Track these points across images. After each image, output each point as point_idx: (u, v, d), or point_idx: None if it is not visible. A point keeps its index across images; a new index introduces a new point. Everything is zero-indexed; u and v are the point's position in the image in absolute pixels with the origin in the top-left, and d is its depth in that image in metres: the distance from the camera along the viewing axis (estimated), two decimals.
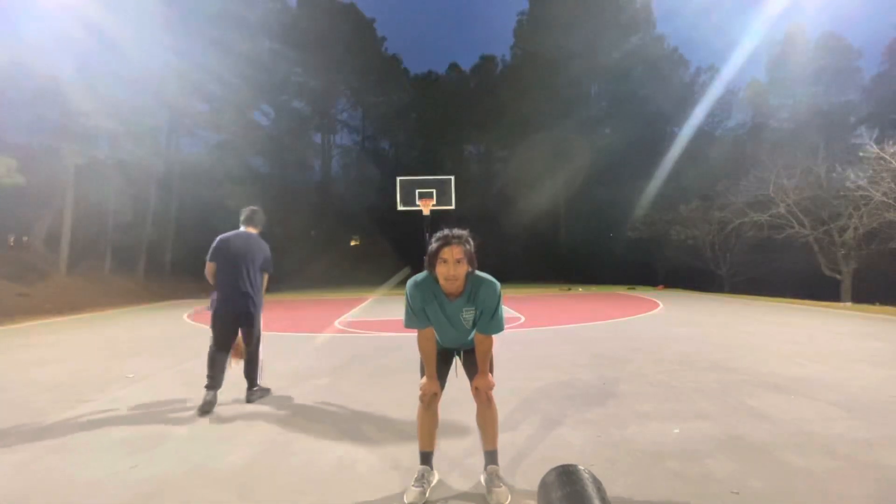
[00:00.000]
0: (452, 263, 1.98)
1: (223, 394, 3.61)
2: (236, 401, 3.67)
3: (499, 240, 27.28)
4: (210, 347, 3.59)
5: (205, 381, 3.49)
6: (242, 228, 3.82)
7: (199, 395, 3.50)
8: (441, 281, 2.03)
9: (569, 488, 1.30)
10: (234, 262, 3.60)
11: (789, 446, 2.59)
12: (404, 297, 2.16)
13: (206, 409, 3.39)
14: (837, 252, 15.50)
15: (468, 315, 2.11)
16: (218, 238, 3.67)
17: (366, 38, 36.80)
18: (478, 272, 2.09)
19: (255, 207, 3.92)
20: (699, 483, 2.19)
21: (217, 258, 3.61)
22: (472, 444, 2.61)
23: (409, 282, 2.13)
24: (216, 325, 3.61)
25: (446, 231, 2.04)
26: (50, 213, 17.04)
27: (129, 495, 2.16)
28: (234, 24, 23.97)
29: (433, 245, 2.02)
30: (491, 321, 2.08)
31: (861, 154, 13.44)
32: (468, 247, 2.02)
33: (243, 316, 3.64)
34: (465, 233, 2.05)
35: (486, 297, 2.06)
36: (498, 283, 2.10)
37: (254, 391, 3.71)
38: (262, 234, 3.94)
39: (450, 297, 2.08)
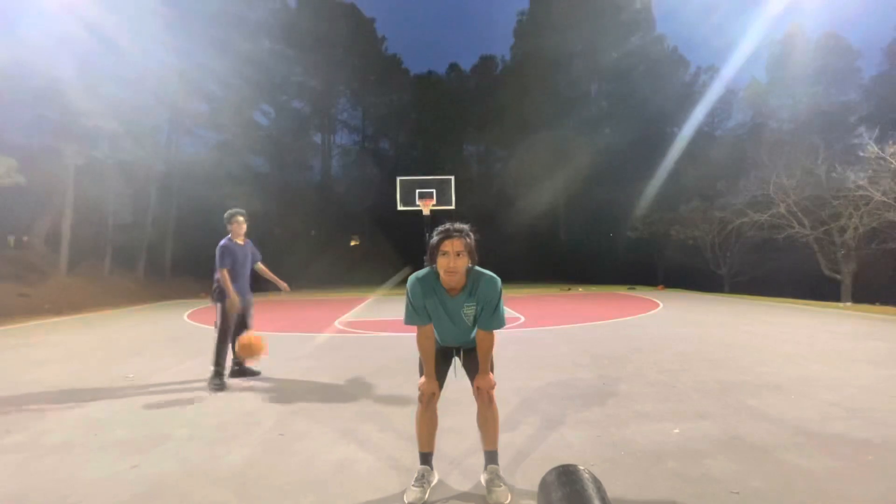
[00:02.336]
0: (453, 256, 1.99)
1: (223, 394, 3.85)
2: (236, 401, 3.68)
3: (499, 240, 27.21)
4: (216, 340, 4.18)
5: (210, 371, 4.13)
6: (230, 236, 4.41)
7: (198, 394, 3.88)
8: (442, 274, 2.04)
9: (569, 488, 1.30)
10: (241, 266, 4.39)
11: (789, 446, 2.59)
12: (405, 295, 2.16)
13: (219, 389, 3.99)
14: (837, 252, 15.48)
15: (469, 311, 2.12)
16: (221, 247, 4.20)
17: (366, 38, 36.78)
18: (478, 268, 2.10)
19: (231, 212, 4.45)
20: (699, 483, 2.19)
21: (231, 264, 4.25)
22: (472, 444, 2.61)
23: (411, 277, 2.14)
24: (228, 318, 4.26)
25: (448, 224, 2.06)
26: (50, 213, 17.01)
27: (129, 495, 2.16)
28: (234, 24, 23.94)
29: (435, 238, 2.04)
30: (492, 316, 2.09)
31: (861, 154, 13.44)
32: (469, 240, 2.04)
33: (249, 307, 4.53)
34: (466, 227, 2.08)
35: (486, 292, 2.07)
36: (498, 278, 2.11)
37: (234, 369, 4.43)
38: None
39: (451, 292, 2.09)
